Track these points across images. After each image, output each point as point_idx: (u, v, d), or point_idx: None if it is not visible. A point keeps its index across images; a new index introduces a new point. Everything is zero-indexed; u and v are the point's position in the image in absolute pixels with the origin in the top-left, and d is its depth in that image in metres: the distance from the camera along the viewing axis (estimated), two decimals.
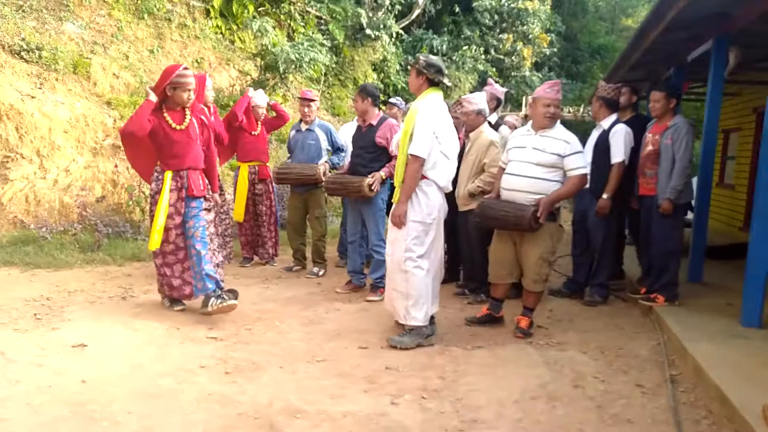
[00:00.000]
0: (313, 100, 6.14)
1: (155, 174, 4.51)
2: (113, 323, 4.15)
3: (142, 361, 3.53)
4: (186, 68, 4.41)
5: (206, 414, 2.90)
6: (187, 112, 4.47)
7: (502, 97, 6.07)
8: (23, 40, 7.42)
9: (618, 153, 5.08)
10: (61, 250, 6.06)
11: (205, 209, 4.55)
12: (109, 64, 8.32)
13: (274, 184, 6.42)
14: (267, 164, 6.37)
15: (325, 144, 6.14)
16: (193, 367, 3.47)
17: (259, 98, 6.24)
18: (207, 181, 4.62)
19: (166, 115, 4.37)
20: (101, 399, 2.98)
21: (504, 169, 4.41)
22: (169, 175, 4.40)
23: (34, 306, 4.47)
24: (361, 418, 2.92)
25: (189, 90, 4.37)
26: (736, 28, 5.10)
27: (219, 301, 4.27)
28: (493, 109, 5.84)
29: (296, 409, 2.98)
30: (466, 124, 5.25)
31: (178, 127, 4.39)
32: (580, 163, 4.21)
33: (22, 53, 7.31)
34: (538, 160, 4.20)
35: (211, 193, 4.67)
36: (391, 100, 6.59)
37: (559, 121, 4.35)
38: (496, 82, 8.35)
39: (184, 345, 3.86)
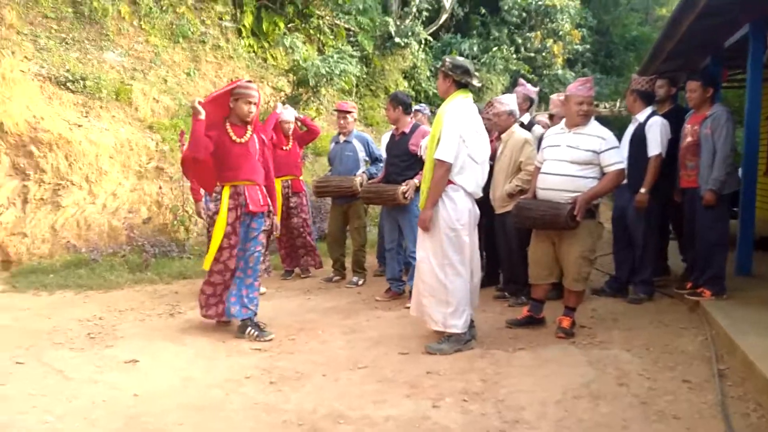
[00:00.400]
0: (349, 112, 6.21)
1: (214, 194, 4.51)
2: (163, 339, 4.31)
3: (191, 374, 3.66)
4: (250, 81, 4.41)
5: (253, 422, 2.99)
6: (249, 128, 4.41)
7: (535, 96, 6.03)
8: (68, 71, 7.77)
9: (654, 146, 4.98)
10: (111, 272, 6.28)
11: (264, 230, 4.47)
12: (149, 89, 8.61)
13: (307, 197, 6.51)
14: (300, 178, 6.47)
15: (362, 155, 6.19)
16: (240, 378, 3.56)
17: (287, 114, 6.35)
18: (267, 198, 4.50)
19: (228, 127, 4.31)
20: (154, 411, 3.10)
21: (539, 169, 4.39)
22: (227, 193, 4.33)
23: (87, 326, 4.65)
24: (403, 422, 2.95)
25: (251, 102, 4.30)
26: None
27: (257, 333, 4.31)
28: (526, 110, 5.81)
29: (339, 415, 3.04)
30: (497, 125, 5.25)
31: (238, 140, 4.31)
32: (617, 158, 4.16)
33: (68, 84, 7.65)
34: (572, 157, 4.17)
35: (271, 211, 4.53)
36: (416, 106, 6.61)
37: (593, 118, 4.31)
38: (529, 81, 8.26)
39: (230, 357, 3.97)
